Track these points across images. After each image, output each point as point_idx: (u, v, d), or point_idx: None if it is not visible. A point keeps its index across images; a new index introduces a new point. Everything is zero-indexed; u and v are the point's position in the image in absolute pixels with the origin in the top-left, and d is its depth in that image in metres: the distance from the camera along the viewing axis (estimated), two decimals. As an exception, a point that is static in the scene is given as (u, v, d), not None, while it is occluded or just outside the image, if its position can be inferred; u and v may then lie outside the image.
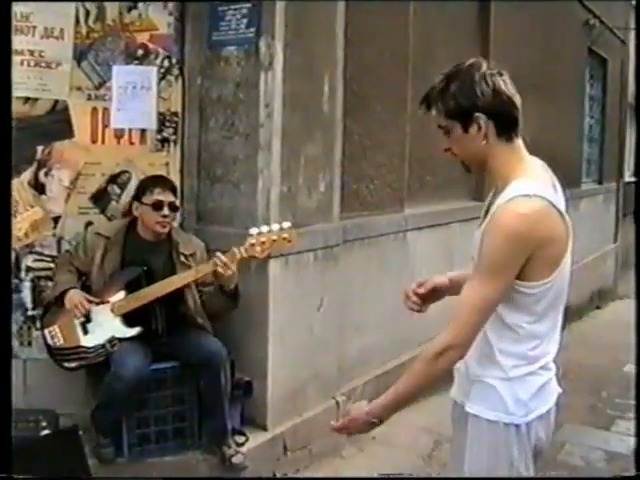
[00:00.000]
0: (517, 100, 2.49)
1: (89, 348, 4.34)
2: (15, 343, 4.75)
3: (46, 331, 4.45)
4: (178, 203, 4.54)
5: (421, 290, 2.92)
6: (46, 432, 4.24)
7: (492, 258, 2.40)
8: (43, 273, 4.72)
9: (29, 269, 4.73)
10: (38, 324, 4.65)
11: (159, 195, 4.37)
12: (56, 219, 4.71)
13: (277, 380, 4.73)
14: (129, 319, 4.33)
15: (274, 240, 4.21)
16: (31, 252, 4.71)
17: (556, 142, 8.71)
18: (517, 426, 2.52)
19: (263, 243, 4.20)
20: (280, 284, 4.67)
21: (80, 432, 4.09)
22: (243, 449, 4.51)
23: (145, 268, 4.39)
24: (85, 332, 4.36)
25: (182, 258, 4.45)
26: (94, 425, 4.36)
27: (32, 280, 4.74)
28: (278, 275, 4.65)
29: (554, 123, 8.83)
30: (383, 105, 5.68)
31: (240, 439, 4.58)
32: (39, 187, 4.67)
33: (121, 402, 4.26)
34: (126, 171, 4.77)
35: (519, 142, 2.53)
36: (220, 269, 4.19)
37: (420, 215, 6.17)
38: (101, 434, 4.36)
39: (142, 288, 4.33)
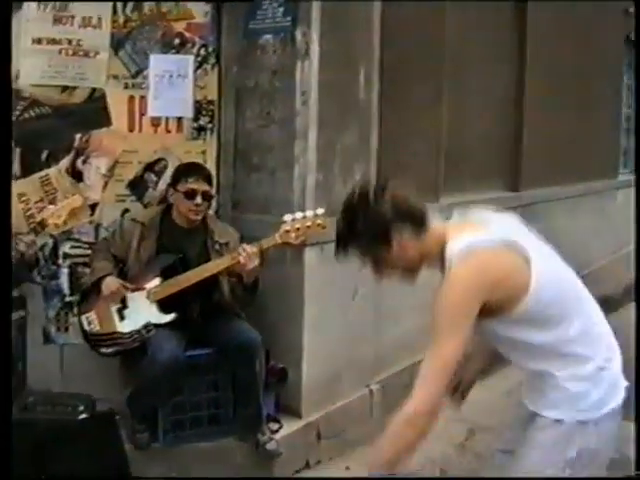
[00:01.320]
0: (410, 198, 2.65)
1: (125, 334, 4.37)
2: (52, 329, 4.81)
3: (83, 317, 4.49)
4: (213, 192, 4.55)
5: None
6: (83, 416, 4.27)
7: (445, 316, 2.50)
8: (80, 260, 4.77)
9: (67, 256, 4.77)
10: (75, 310, 4.69)
11: (193, 184, 4.38)
12: (93, 206, 4.75)
13: (312, 368, 4.74)
14: (164, 305, 4.36)
15: (308, 227, 4.21)
16: (69, 239, 4.76)
17: (593, 133, 8.66)
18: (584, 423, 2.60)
19: (297, 230, 4.20)
20: (315, 272, 4.67)
21: (116, 417, 4.12)
22: (277, 436, 4.54)
23: (180, 255, 4.41)
24: (121, 318, 4.40)
25: (217, 246, 4.47)
26: (129, 410, 4.40)
27: (69, 267, 4.79)
28: (314, 263, 4.65)
29: (591, 114, 8.76)
30: (419, 94, 5.65)
31: (274, 426, 4.61)
32: (77, 175, 4.71)
33: (156, 388, 4.30)
34: (163, 159, 4.80)
35: (433, 224, 2.67)
36: (243, 260, 4.19)
37: (455, 205, 6.09)
38: (136, 419, 4.40)
39: (177, 275, 4.35)
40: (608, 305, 8.05)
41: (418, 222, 2.62)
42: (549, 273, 2.62)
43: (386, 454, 2.54)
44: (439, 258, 2.61)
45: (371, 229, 2.58)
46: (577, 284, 2.76)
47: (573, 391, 2.61)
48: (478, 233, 2.57)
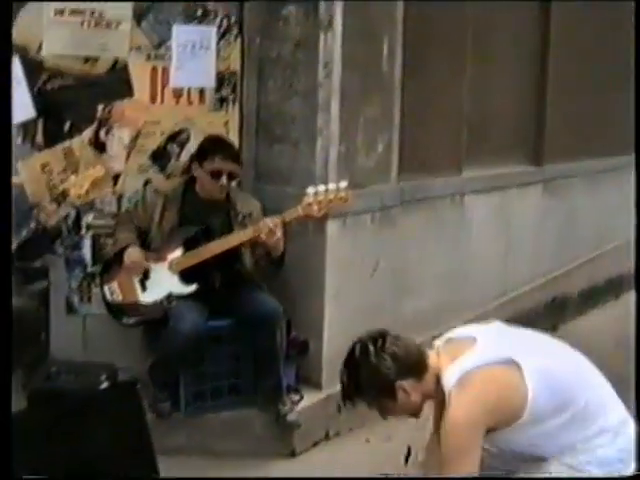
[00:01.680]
0: (409, 347, 2.76)
1: (147, 304, 4.40)
2: (75, 299, 4.83)
3: (105, 287, 4.52)
4: (239, 170, 4.50)
5: None
6: (105, 385, 4.31)
7: (453, 448, 2.59)
8: (103, 230, 4.78)
9: (89, 226, 4.79)
10: (97, 280, 4.72)
11: (219, 163, 4.34)
12: (116, 177, 4.75)
13: (332, 340, 4.74)
14: (186, 276, 4.37)
15: (330, 200, 4.21)
16: (91, 209, 4.77)
17: (614, 110, 8.54)
18: None
19: (320, 202, 4.20)
20: (337, 245, 4.67)
21: (138, 386, 4.15)
22: (297, 407, 4.56)
23: (203, 226, 4.42)
24: (143, 288, 4.42)
25: (239, 218, 4.46)
26: (151, 380, 4.43)
27: (92, 237, 4.80)
28: (335, 236, 4.65)
29: (612, 92, 8.63)
30: (442, 66, 5.61)
31: (295, 397, 4.62)
32: (99, 145, 4.71)
33: (178, 357, 4.33)
34: (185, 130, 4.79)
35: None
36: (264, 236, 4.20)
37: (478, 178, 6.09)
38: (158, 389, 4.43)
39: (199, 246, 4.36)
40: (626, 284, 8.04)
41: (420, 371, 2.75)
42: (542, 372, 2.70)
43: None
44: (436, 389, 2.74)
45: (375, 386, 2.73)
46: (572, 362, 2.85)
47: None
48: (469, 356, 2.70)
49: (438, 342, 2.87)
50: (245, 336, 4.47)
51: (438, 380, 2.71)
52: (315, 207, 4.20)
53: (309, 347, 4.73)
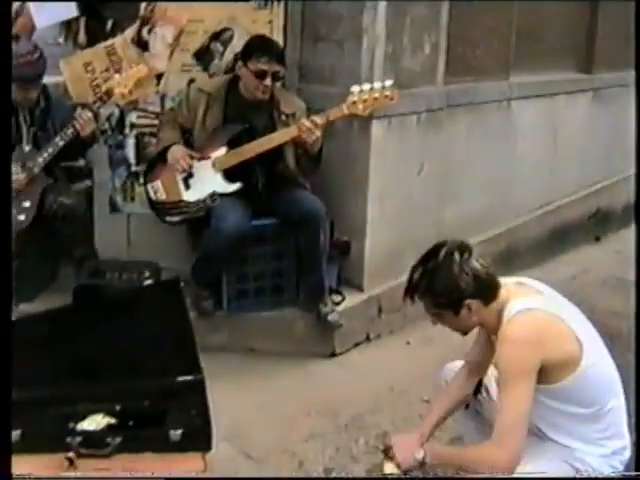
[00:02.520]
0: (490, 270, 2.70)
1: (190, 202, 4.40)
2: (118, 198, 4.88)
3: (149, 186, 4.53)
4: (283, 72, 4.42)
5: None
6: (148, 282, 4.35)
7: (511, 367, 2.59)
8: (147, 130, 4.79)
9: (133, 126, 4.81)
10: (141, 180, 4.74)
11: (264, 65, 4.26)
12: (159, 76, 4.73)
13: (375, 242, 4.74)
14: (230, 175, 4.36)
15: (376, 98, 4.16)
16: (135, 109, 4.78)
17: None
18: None
19: (365, 101, 4.15)
20: (382, 146, 4.62)
21: (181, 284, 4.18)
22: (339, 308, 4.58)
23: (246, 125, 4.38)
24: (187, 187, 4.43)
25: (283, 117, 4.41)
26: (194, 278, 4.47)
27: (136, 137, 4.83)
28: (380, 136, 4.59)
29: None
30: (493, -33, 5.46)
31: (336, 298, 4.65)
32: (142, 44, 4.68)
33: (221, 256, 4.35)
34: (229, 29, 4.71)
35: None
36: (303, 135, 4.16)
37: (526, 84, 5.96)
38: (201, 287, 4.48)
39: (243, 145, 4.33)
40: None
41: (491, 296, 2.70)
42: (596, 355, 2.73)
43: (455, 463, 2.85)
44: (496, 320, 2.71)
45: (445, 295, 2.67)
46: (612, 366, 2.84)
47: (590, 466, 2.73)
48: (535, 299, 2.71)
49: (508, 280, 2.83)
50: (288, 236, 4.48)
51: (500, 313, 2.69)
52: (360, 106, 4.15)
53: (351, 248, 4.73)
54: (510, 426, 2.59)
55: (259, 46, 4.36)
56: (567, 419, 2.73)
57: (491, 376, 3.05)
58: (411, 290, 2.75)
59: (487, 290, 2.68)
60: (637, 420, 2.87)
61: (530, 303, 2.66)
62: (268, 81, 4.29)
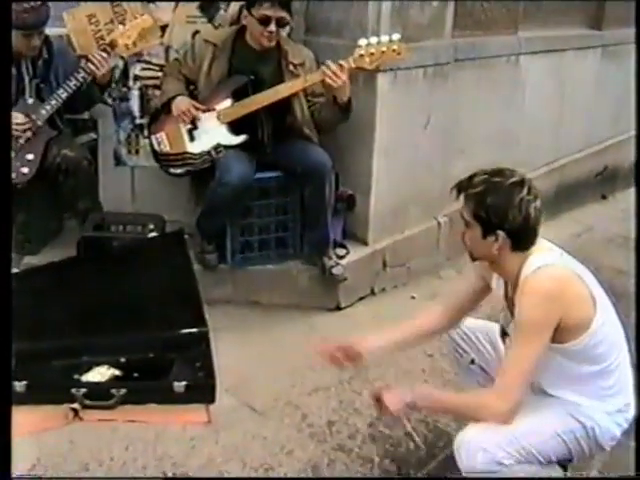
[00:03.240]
0: (539, 220, 2.63)
1: (195, 154, 4.38)
2: (123, 151, 4.87)
3: (153, 137, 4.50)
4: (288, 18, 4.34)
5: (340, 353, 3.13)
6: (153, 234, 4.34)
7: (531, 320, 2.57)
8: (151, 82, 4.76)
9: (137, 78, 4.78)
10: (145, 132, 4.71)
11: (267, 10, 4.20)
12: (163, 28, 4.68)
13: (380, 196, 4.72)
14: (235, 127, 4.33)
15: (383, 52, 4.12)
16: (139, 61, 4.75)
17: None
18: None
19: (372, 54, 4.11)
20: (388, 99, 4.57)
21: (185, 236, 4.17)
22: (343, 261, 4.57)
23: (252, 77, 4.33)
24: (191, 139, 4.39)
25: (291, 67, 4.36)
26: (199, 231, 4.47)
27: (140, 89, 4.80)
28: (386, 90, 4.54)
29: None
30: None
31: (341, 252, 4.64)
32: (146, -5, 4.64)
33: (225, 208, 4.34)
34: (235, -21, 4.67)
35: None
36: (328, 79, 4.12)
37: (535, 39, 5.90)
38: (205, 240, 4.47)
39: (249, 96, 4.29)
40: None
41: (523, 245, 2.67)
42: (608, 314, 2.72)
43: (453, 409, 2.86)
44: (514, 266, 2.68)
45: (490, 213, 2.60)
46: (619, 323, 2.83)
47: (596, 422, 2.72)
48: (554, 256, 2.68)
49: None
50: (294, 189, 4.47)
51: (520, 264, 2.66)
52: (367, 59, 4.11)
53: (356, 202, 4.71)
54: (515, 377, 2.59)
55: None
56: (575, 376, 2.72)
57: (497, 334, 3.04)
58: (464, 187, 2.67)
59: (524, 237, 2.64)
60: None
61: (552, 259, 2.65)
62: (272, 27, 4.23)
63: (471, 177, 2.67)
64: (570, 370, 2.71)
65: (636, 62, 5.83)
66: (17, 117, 4.21)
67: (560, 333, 2.61)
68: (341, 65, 4.10)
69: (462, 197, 2.67)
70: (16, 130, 4.19)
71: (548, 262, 2.62)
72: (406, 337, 3.12)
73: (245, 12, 4.35)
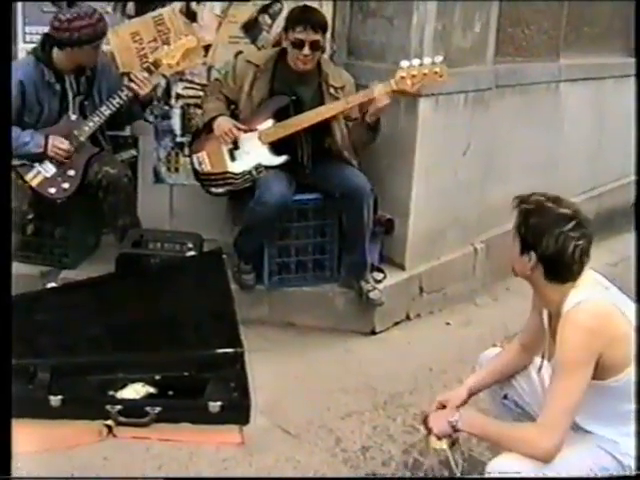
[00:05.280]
0: (580, 259, 2.61)
1: (236, 174, 4.38)
2: (162, 169, 4.90)
3: (194, 157, 4.51)
4: (323, 41, 4.35)
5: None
6: (191, 253, 4.35)
7: (571, 356, 2.55)
8: (192, 101, 4.79)
9: (179, 96, 4.81)
10: (186, 151, 4.74)
11: (300, 34, 4.22)
12: (206, 48, 4.71)
13: (418, 221, 4.70)
14: (276, 148, 4.34)
15: (425, 74, 4.12)
16: (181, 80, 4.79)
17: None
18: None
19: (414, 77, 4.11)
20: (429, 124, 4.57)
21: (224, 256, 4.18)
22: (380, 286, 4.55)
23: (294, 97, 4.35)
24: (232, 158, 4.40)
25: (331, 90, 4.37)
26: (236, 251, 4.48)
27: (181, 107, 4.83)
28: (427, 114, 4.55)
29: None
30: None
31: (378, 276, 4.62)
32: (190, 15, 4.68)
33: (263, 228, 4.35)
34: (278, 1, 4.70)
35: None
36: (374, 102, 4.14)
37: (575, 66, 5.89)
38: (243, 260, 4.47)
39: (290, 117, 4.31)
40: None
41: (558, 277, 2.66)
42: None
43: (490, 435, 2.80)
44: (556, 296, 2.67)
45: (529, 234, 2.64)
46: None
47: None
48: (598, 290, 2.67)
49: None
50: (332, 211, 4.47)
51: (563, 295, 2.64)
52: (409, 81, 4.11)
53: (394, 226, 4.69)
54: (558, 414, 2.56)
55: (296, 15, 4.35)
56: (614, 414, 2.68)
57: (531, 369, 3.03)
58: (521, 200, 2.70)
59: (558, 269, 2.63)
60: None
61: (594, 293, 2.62)
62: (306, 50, 4.24)
63: (532, 194, 2.70)
64: (609, 407, 2.67)
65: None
66: (62, 142, 4.26)
67: (600, 369, 2.58)
68: (385, 89, 4.12)
69: (515, 214, 2.70)
70: (58, 154, 4.24)
71: (590, 297, 2.60)
72: (496, 378, 3.10)
73: (284, 35, 4.38)
